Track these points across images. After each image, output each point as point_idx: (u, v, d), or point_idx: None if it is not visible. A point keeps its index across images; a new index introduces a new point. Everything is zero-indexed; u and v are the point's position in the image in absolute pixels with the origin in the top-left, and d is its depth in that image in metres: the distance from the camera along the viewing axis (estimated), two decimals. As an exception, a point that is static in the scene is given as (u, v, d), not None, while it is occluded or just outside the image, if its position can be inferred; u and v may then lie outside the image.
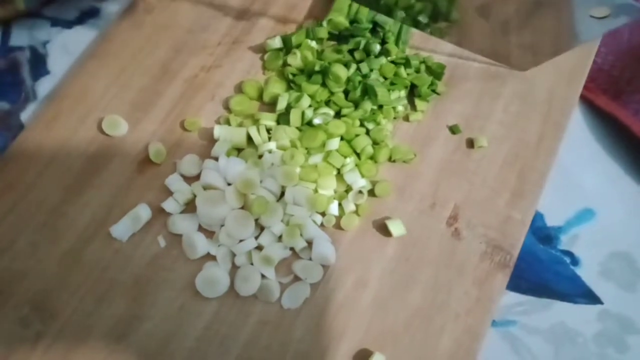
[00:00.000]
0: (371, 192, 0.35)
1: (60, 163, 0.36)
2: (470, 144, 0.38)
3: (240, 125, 0.36)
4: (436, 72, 0.39)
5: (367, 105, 0.36)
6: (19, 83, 0.41)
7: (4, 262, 0.33)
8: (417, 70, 0.39)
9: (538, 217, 0.37)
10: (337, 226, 0.34)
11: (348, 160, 0.35)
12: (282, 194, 0.34)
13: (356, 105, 0.37)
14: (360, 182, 0.35)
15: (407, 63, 0.38)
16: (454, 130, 0.38)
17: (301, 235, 0.33)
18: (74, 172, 0.35)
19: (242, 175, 0.34)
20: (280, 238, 0.33)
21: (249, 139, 0.36)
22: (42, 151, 0.36)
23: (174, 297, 0.32)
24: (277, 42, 0.39)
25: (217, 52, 0.40)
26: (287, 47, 0.39)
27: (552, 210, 0.37)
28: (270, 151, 0.35)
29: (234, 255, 0.33)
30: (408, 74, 0.38)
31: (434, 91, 0.38)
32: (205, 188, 0.34)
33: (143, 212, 0.34)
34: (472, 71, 0.41)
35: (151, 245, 0.34)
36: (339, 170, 0.35)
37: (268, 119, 0.36)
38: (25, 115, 0.40)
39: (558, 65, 0.41)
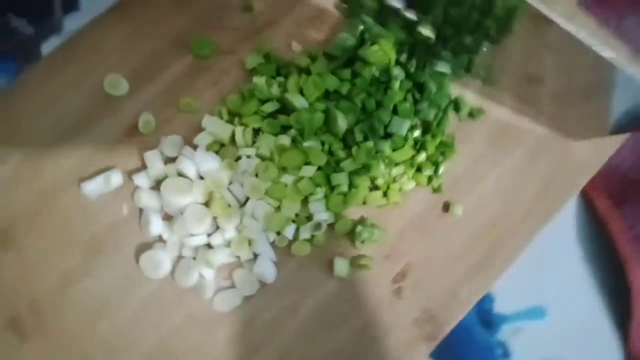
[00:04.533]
0: (333, 226, 0.36)
1: (58, 108, 0.37)
2: (447, 207, 0.37)
3: (229, 121, 0.37)
4: (448, 146, 0.37)
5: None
6: (49, 10, 0.42)
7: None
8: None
9: (488, 298, 0.37)
10: (288, 248, 0.35)
11: (318, 190, 0.35)
12: (247, 201, 0.35)
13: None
14: (322, 216, 0.35)
15: (421, 146, 0.37)
16: (435, 189, 0.37)
17: (250, 245, 0.34)
18: (67, 120, 0.37)
19: (214, 173, 0.34)
20: (230, 244, 0.34)
21: (234, 137, 0.36)
22: (45, 91, 0.37)
23: (121, 265, 0.34)
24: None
25: (235, 38, 0.40)
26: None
27: (505, 296, 0.37)
28: (248, 156, 0.35)
29: (183, 245, 0.34)
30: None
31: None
32: (178, 173, 0.35)
33: (115, 177, 0.35)
34: (480, 134, 0.39)
35: (115, 211, 0.35)
36: (307, 197, 0.35)
37: (256, 123, 0.36)
38: (46, 48, 0.41)
39: (572, 151, 0.39)
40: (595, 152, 0.40)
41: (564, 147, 0.39)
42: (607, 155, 0.39)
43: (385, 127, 0.36)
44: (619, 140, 0.40)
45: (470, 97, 0.40)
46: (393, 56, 0.37)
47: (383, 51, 0.37)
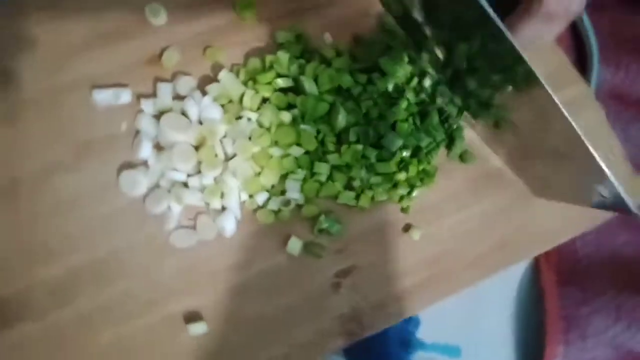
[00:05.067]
0: (300, 208, 0.38)
1: (101, 14, 0.39)
2: (407, 228, 0.39)
3: (244, 82, 0.39)
4: (428, 175, 0.40)
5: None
6: None
7: None
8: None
9: (415, 321, 0.39)
10: (254, 213, 0.38)
11: (300, 171, 0.37)
12: (233, 157, 0.37)
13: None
14: (295, 195, 0.37)
15: (404, 166, 0.39)
16: (403, 209, 0.39)
17: (221, 197, 0.37)
18: (103, 28, 0.39)
19: (213, 122, 0.37)
20: (204, 189, 0.37)
21: (242, 97, 0.38)
22: None
23: (103, 173, 0.37)
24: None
25: (277, 11, 0.42)
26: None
27: (431, 326, 0.39)
28: (249, 119, 0.38)
29: (162, 175, 0.37)
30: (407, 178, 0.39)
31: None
32: (182, 112, 0.38)
33: (125, 95, 0.37)
34: (463, 174, 0.41)
35: (115, 124, 0.38)
36: (287, 173, 0.38)
37: (266, 92, 0.38)
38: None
39: (542, 217, 0.41)
40: (564, 226, 0.42)
41: (536, 211, 0.41)
42: (574, 232, 0.42)
43: (379, 138, 0.38)
44: (590, 221, 0.42)
45: (470, 135, 0.42)
46: (410, 79, 0.39)
47: (404, 70, 0.39)
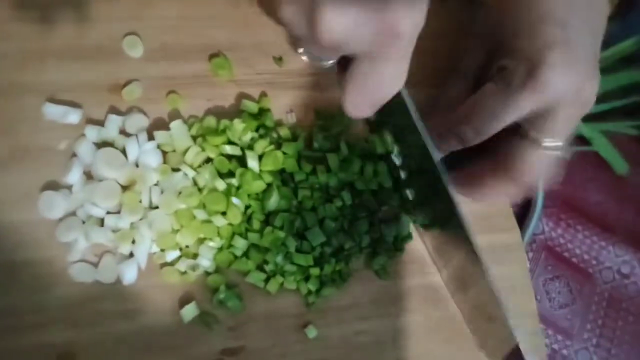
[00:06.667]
0: (207, 274, 0.38)
1: (67, 26, 0.40)
2: (306, 325, 0.39)
3: (193, 137, 0.39)
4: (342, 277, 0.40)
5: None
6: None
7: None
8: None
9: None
10: (160, 267, 0.37)
11: (217, 240, 0.37)
12: (155, 208, 0.37)
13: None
14: (205, 262, 0.37)
15: (321, 262, 0.39)
16: (308, 304, 0.39)
17: (132, 244, 0.36)
18: (66, 40, 0.40)
19: (148, 168, 0.37)
20: (117, 232, 0.36)
21: (187, 150, 0.39)
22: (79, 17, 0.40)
23: (28, 183, 0.36)
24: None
25: (252, 77, 0.43)
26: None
27: None
28: (185, 174, 0.38)
29: (81, 206, 0.36)
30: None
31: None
32: (122, 149, 0.38)
33: (73, 115, 0.37)
34: (374, 287, 0.42)
35: (54, 140, 0.38)
36: (204, 239, 0.38)
37: (212, 153, 0.39)
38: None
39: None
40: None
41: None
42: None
43: (305, 229, 0.39)
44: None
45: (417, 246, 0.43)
46: (355, 178, 0.40)
47: (350, 174, 0.40)
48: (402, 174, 0.41)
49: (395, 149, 0.41)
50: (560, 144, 0.35)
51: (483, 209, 0.44)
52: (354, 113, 0.31)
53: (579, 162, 0.51)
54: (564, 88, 0.33)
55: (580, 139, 0.50)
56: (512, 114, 0.34)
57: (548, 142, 0.35)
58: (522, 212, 0.48)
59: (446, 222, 0.39)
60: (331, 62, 0.32)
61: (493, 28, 0.38)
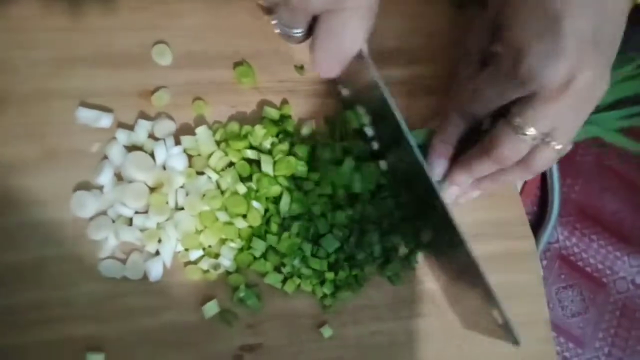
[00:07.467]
0: (229, 274, 0.40)
1: (96, 34, 0.41)
2: (322, 324, 0.40)
3: (217, 142, 0.41)
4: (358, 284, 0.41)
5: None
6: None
7: None
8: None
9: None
10: (184, 266, 0.39)
11: (238, 241, 0.39)
12: (181, 209, 0.39)
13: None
14: (226, 261, 0.39)
15: (336, 268, 0.40)
16: (325, 306, 0.41)
17: (158, 242, 0.38)
18: (96, 48, 0.42)
19: (173, 172, 0.39)
20: (144, 231, 0.38)
21: (211, 155, 0.40)
22: (104, 26, 0.42)
23: (60, 182, 0.38)
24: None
25: (274, 85, 0.44)
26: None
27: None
28: (209, 177, 0.40)
29: (111, 206, 0.38)
30: None
31: None
32: (151, 152, 0.40)
33: (105, 120, 0.39)
34: (390, 291, 0.43)
35: (87, 143, 0.40)
36: (226, 240, 0.39)
37: (234, 158, 0.40)
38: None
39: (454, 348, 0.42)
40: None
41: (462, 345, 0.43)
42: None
43: (320, 235, 0.40)
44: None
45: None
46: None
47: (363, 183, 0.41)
48: (375, 145, 0.42)
49: (368, 121, 0.41)
50: (535, 133, 0.35)
51: (499, 215, 0.45)
52: (323, 72, 0.34)
53: (595, 171, 0.51)
54: (548, 78, 0.33)
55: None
56: (498, 98, 0.36)
57: (529, 131, 0.35)
58: (537, 221, 0.48)
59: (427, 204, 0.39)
60: (300, 31, 0.34)
61: (495, 13, 0.39)
